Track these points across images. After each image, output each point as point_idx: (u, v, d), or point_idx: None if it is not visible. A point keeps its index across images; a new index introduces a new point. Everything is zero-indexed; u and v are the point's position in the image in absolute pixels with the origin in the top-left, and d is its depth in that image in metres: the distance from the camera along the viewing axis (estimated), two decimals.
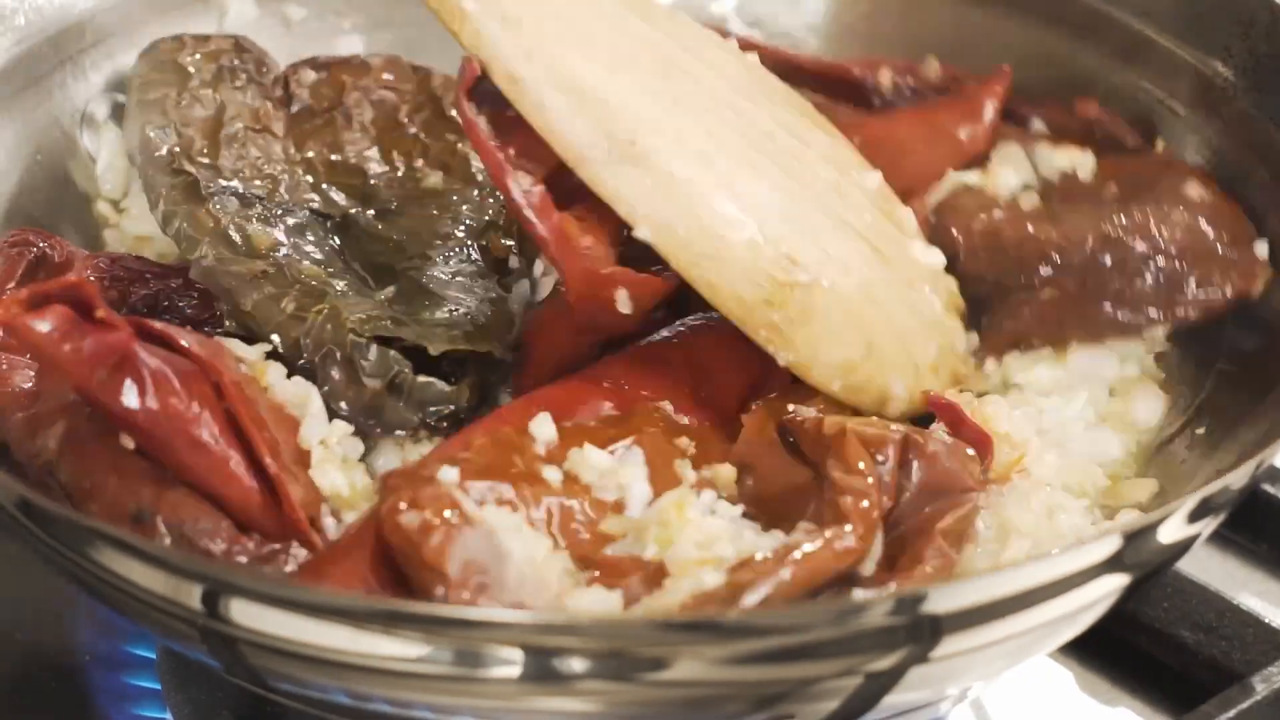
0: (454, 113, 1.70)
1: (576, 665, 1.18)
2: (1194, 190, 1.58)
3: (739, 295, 1.41)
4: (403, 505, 1.29)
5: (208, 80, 1.67)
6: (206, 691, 1.45)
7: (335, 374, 1.45)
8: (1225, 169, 1.63)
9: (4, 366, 1.45)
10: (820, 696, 1.24)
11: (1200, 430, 1.54)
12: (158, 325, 1.38)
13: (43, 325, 1.30)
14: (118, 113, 1.72)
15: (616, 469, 1.37)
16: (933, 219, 1.60)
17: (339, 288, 1.51)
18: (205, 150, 1.62)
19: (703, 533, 1.32)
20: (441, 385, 1.46)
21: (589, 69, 1.41)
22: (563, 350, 1.48)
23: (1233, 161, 1.62)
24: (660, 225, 1.39)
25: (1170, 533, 1.27)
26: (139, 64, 1.69)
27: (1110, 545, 1.23)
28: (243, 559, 1.33)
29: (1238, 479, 1.30)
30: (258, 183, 1.60)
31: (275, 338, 1.46)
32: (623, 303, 1.43)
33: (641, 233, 1.39)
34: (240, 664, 1.28)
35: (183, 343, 1.37)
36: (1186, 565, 1.50)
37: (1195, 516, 1.29)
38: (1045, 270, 1.55)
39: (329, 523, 1.38)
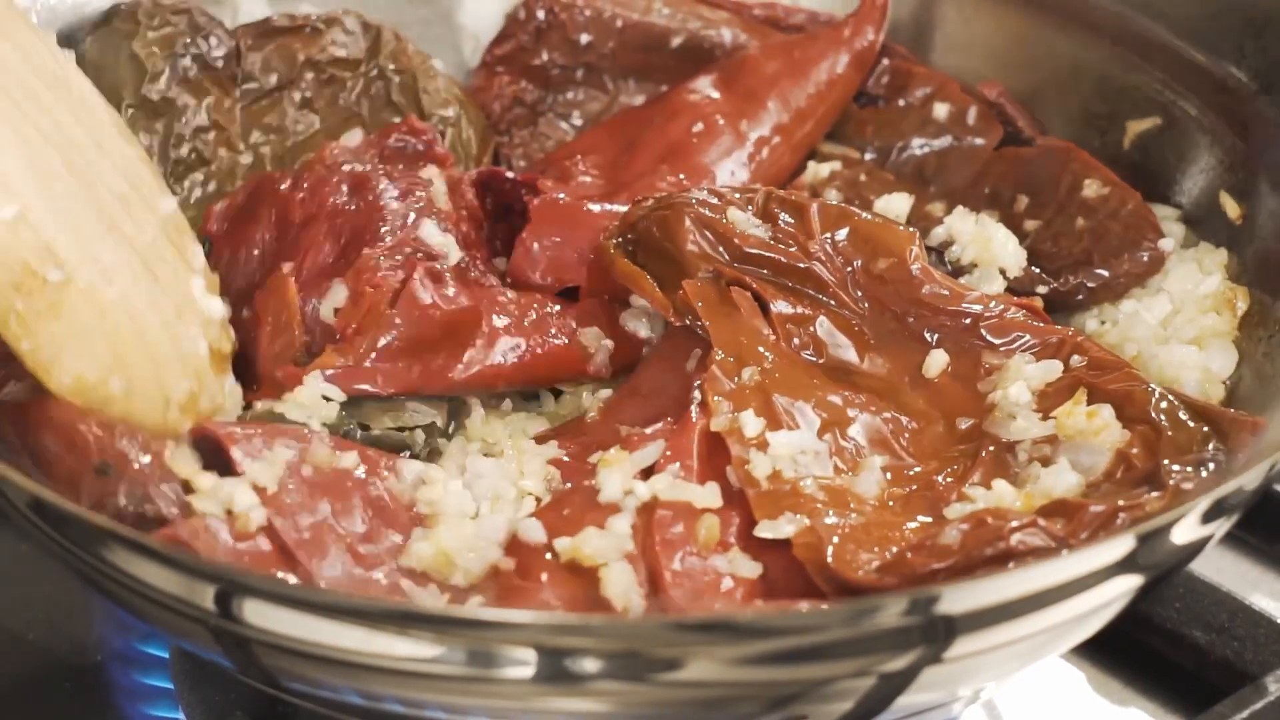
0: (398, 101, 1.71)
1: (590, 666, 1.17)
2: (1091, 189, 1.63)
3: None
4: None
5: (160, 75, 1.65)
6: (219, 691, 1.45)
7: None
8: (1238, 170, 1.63)
9: None
10: (834, 697, 1.24)
11: None
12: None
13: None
14: None
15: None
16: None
17: None
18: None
19: None
20: (395, 434, 1.46)
21: None
22: None
23: (1245, 163, 1.62)
24: None
25: (1183, 534, 1.27)
26: (92, 42, 1.67)
27: (1123, 546, 1.23)
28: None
29: (1251, 480, 1.30)
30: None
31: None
32: None
33: None
34: (253, 664, 1.28)
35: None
36: (1199, 566, 1.50)
37: (1208, 517, 1.29)
38: None
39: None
